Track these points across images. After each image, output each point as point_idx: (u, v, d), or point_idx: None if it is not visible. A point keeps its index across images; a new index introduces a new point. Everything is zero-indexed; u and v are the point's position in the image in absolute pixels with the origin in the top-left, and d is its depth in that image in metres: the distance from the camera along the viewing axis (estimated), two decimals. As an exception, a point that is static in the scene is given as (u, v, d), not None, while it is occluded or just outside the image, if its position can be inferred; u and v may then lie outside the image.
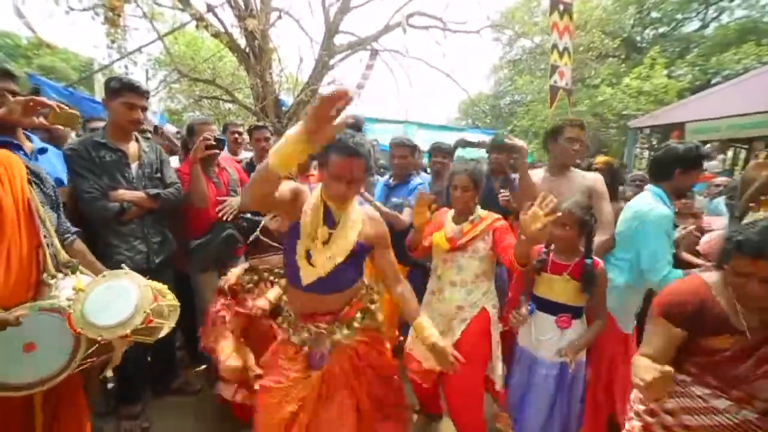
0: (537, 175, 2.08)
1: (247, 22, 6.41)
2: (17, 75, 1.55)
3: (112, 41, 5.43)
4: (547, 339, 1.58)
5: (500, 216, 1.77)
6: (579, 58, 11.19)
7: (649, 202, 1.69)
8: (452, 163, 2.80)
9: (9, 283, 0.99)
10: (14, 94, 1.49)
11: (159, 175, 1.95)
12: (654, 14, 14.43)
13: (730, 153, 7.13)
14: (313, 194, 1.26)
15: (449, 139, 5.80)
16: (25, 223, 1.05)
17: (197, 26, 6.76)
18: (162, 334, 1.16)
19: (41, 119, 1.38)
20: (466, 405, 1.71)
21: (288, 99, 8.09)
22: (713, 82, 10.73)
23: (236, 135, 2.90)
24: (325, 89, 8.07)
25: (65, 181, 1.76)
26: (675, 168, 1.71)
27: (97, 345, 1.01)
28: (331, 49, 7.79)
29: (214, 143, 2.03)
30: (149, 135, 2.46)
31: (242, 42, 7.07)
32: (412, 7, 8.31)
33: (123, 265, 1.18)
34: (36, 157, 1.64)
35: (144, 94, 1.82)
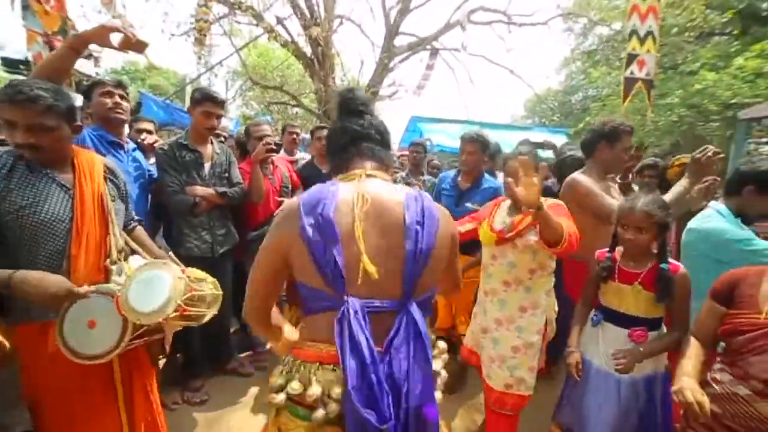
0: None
1: (311, 30, 6.80)
2: (127, 85, 1.94)
3: (199, 58, 6.16)
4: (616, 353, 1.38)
5: (557, 200, 1.61)
6: (671, 42, 9.69)
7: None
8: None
9: (87, 265, 1.14)
10: (124, 98, 1.84)
11: (227, 174, 2.15)
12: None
13: None
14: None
15: (514, 138, 5.47)
16: (99, 214, 1.19)
17: (269, 38, 7.36)
18: (205, 320, 1.25)
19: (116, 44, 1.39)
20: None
21: (349, 102, 8.38)
22: None
23: (294, 135, 3.07)
24: (385, 91, 8.21)
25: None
26: (744, 186, 1.44)
27: (145, 327, 1.10)
28: (391, 51, 7.88)
29: (274, 147, 2.26)
30: (223, 139, 2.71)
31: (308, 50, 7.52)
32: (473, 3, 8.05)
33: (170, 254, 1.27)
34: (130, 154, 1.93)
35: (220, 103, 2.06)
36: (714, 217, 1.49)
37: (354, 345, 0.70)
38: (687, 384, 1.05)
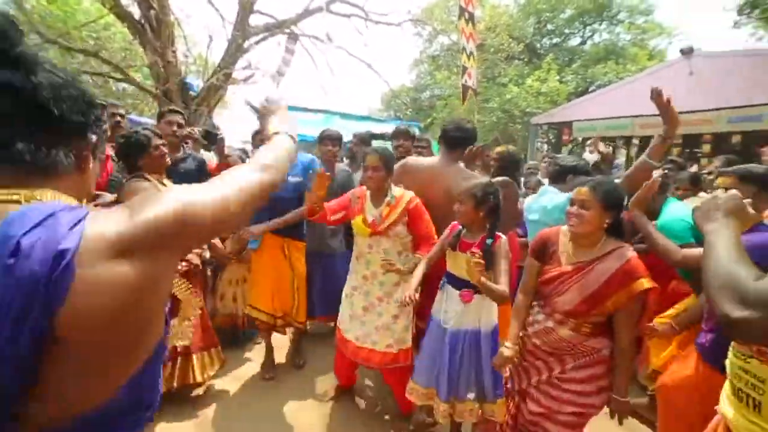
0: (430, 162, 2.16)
1: (138, -13, 5.48)
2: None
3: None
4: (452, 311, 1.68)
5: (413, 194, 1.84)
6: (490, 59, 12.22)
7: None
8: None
9: None
10: None
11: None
12: (549, 26, 16.53)
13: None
14: None
15: (370, 129, 5.84)
16: None
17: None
18: None
19: None
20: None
21: (197, 83, 7.22)
22: (590, 89, 12.79)
23: (118, 117, 2.41)
24: (239, 74, 7.41)
25: None
26: (566, 175, 2.09)
27: None
28: (246, 30, 7.14)
29: None
30: None
31: (135, 10, 6.04)
32: (333, -7, 8.07)
33: None
34: None
35: None
36: (546, 192, 2.07)
37: None
38: (506, 353, 1.45)
